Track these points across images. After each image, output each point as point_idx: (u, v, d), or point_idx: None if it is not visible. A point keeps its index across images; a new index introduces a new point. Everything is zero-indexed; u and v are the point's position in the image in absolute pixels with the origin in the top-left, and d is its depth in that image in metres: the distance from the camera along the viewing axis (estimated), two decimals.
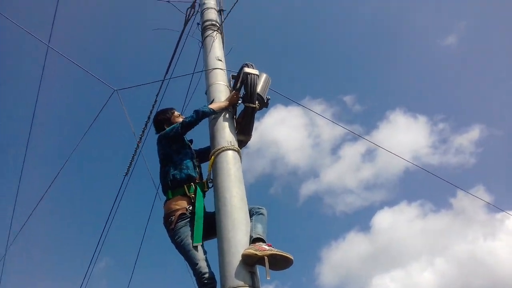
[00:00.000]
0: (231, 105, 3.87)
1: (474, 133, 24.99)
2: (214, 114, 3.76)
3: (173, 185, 3.52)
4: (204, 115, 3.68)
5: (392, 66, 25.39)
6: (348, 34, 24.11)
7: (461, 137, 25.20)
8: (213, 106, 3.76)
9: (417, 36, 24.56)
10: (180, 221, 3.35)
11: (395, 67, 25.26)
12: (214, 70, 4.32)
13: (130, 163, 5.93)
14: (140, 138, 5.74)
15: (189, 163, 3.63)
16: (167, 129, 3.79)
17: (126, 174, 6.04)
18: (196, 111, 3.65)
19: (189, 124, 3.66)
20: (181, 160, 3.62)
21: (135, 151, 5.78)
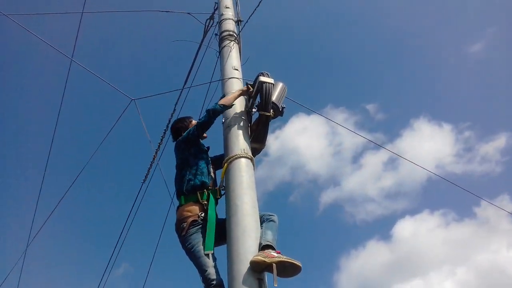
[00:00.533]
0: (242, 95, 3.95)
1: (500, 141, 24.35)
2: (226, 109, 3.80)
3: (187, 191, 3.54)
4: (215, 113, 3.71)
5: (417, 73, 25.06)
6: (372, 41, 23.95)
7: (487, 145, 24.56)
8: (222, 101, 3.81)
9: (443, 42, 24.18)
10: (191, 228, 3.36)
11: (420, 74, 24.94)
12: (230, 79, 4.36)
13: (148, 171, 5.99)
14: (159, 146, 5.80)
15: (204, 168, 3.66)
16: (184, 134, 3.85)
17: (144, 181, 6.10)
18: (207, 110, 3.71)
19: (203, 124, 3.72)
20: (197, 164, 3.65)
21: (153, 159, 5.84)
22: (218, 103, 3.77)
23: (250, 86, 3.98)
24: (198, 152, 3.75)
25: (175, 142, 3.96)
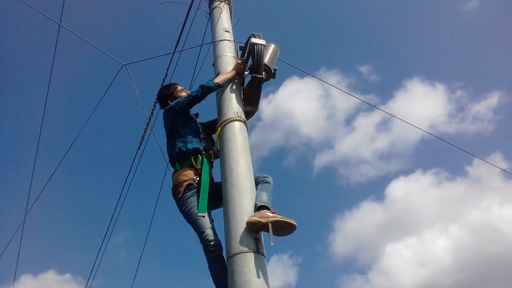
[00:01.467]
0: (237, 75, 3.87)
1: (493, 100, 24.50)
2: (220, 88, 3.76)
3: (179, 158, 3.57)
4: (209, 90, 3.68)
5: (411, 33, 24.81)
6: (365, 1, 23.55)
7: (479, 105, 24.75)
8: (218, 79, 3.75)
9: (437, 0, 23.83)
10: (187, 192, 3.40)
11: (413, 34, 24.69)
12: (222, 41, 4.30)
13: (142, 137, 5.99)
14: (152, 112, 5.78)
15: (194, 136, 3.67)
16: (173, 103, 3.81)
17: (139, 148, 6.12)
18: (201, 86, 3.66)
19: (194, 99, 3.68)
20: (186, 133, 3.65)
21: (147, 125, 5.83)
22: (214, 80, 3.72)
23: (244, 63, 3.90)
24: (186, 121, 3.74)
25: (163, 110, 3.95)
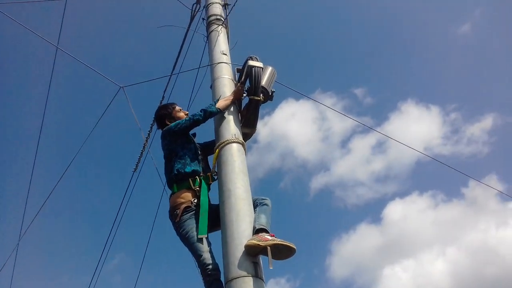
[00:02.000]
0: (236, 99, 3.88)
1: (487, 122, 24.70)
2: (220, 113, 3.76)
3: (177, 179, 3.54)
4: (211, 115, 3.70)
5: (404, 56, 25.16)
6: (359, 25, 23.95)
7: (473, 127, 24.93)
8: (219, 105, 3.74)
9: (431, 24, 24.27)
10: (185, 214, 3.37)
11: (408, 57, 25.04)
12: (219, 64, 4.32)
13: (139, 159, 5.97)
14: (149, 134, 5.77)
15: (193, 157, 3.65)
16: (172, 124, 3.79)
17: (135, 170, 6.10)
18: (204, 110, 3.66)
19: (195, 122, 3.67)
20: (185, 155, 3.63)
21: (144, 147, 5.82)
22: (216, 106, 3.71)
23: (242, 86, 3.93)
24: (185, 142, 3.73)
25: (161, 131, 3.94)
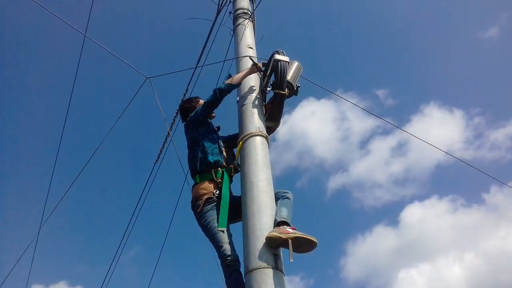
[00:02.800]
0: (251, 73, 3.90)
1: (511, 127, 24.10)
2: (233, 88, 3.77)
3: (201, 170, 3.57)
4: (222, 92, 3.70)
5: (429, 58, 24.74)
6: (384, 25, 23.65)
7: (497, 132, 24.34)
8: (229, 80, 3.79)
9: (457, 27, 23.81)
10: (206, 205, 3.40)
11: (432, 59, 24.61)
12: (245, 57, 4.33)
13: (161, 150, 6.03)
14: (171, 126, 5.82)
15: (215, 147, 3.68)
16: (192, 114, 3.85)
17: (156, 161, 6.15)
18: (214, 90, 3.71)
19: (209, 104, 3.72)
20: (208, 144, 3.67)
21: (166, 138, 5.87)
22: (225, 82, 3.76)
23: (259, 64, 3.93)
24: (207, 132, 3.76)
25: (184, 123, 3.98)
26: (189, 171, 3.77)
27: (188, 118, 3.89)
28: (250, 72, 3.91)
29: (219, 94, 3.69)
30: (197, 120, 3.76)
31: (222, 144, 3.80)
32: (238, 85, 3.82)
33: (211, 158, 3.58)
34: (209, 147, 3.65)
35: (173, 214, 6.38)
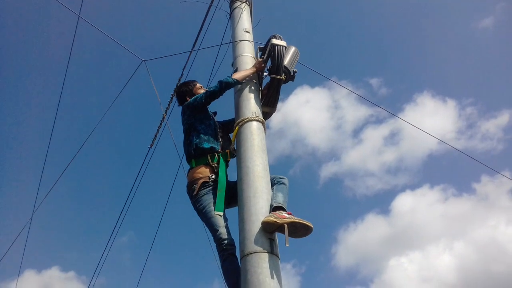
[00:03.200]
0: (256, 72, 3.86)
1: (503, 118, 24.28)
2: (238, 84, 3.75)
3: (196, 154, 3.56)
4: (228, 86, 3.68)
5: (423, 48, 24.74)
6: (379, 14, 23.52)
7: (488, 123, 24.53)
8: (237, 76, 3.74)
9: (452, 17, 23.78)
10: (202, 189, 3.40)
11: (427, 49, 24.61)
12: (241, 41, 4.30)
13: (156, 135, 6.00)
14: (166, 110, 5.79)
15: (211, 134, 3.67)
16: (191, 99, 3.81)
17: (151, 145, 6.12)
18: (219, 82, 3.66)
19: (212, 94, 3.67)
20: (204, 130, 3.65)
21: (161, 122, 5.84)
22: (233, 76, 3.71)
23: (264, 62, 3.89)
24: (204, 118, 3.74)
25: (181, 106, 3.95)
26: (185, 156, 3.76)
27: (186, 103, 3.86)
28: (256, 70, 3.86)
29: (224, 87, 3.66)
30: (195, 107, 3.73)
31: (218, 130, 3.79)
32: (242, 82, 3.77)
33: (207, 144, 3.57)
34: (205, 133, 3.63)
35: (167, 199, 6.38)
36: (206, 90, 3.75)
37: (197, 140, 3.60)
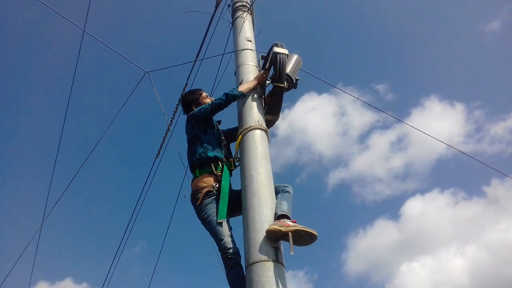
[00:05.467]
0: (259, 84, 3.86)
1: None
2: (243, 97, 3.76)
3: (200, 164, 3.57)
4: (234, 98, 3.69)
5: (430, 52, 24.69)
6: (386, 19, 23.55)
7: (497, 125, 24.32)
8: (242, 88, 3.75)
9: (459, 20, 23.73)
10: (206, 198, 3.40)
11: (434, 53, 24.55)
12: (244, 50, 4.31)
13: (161, 145, 6.02)
14: (171, 120, 5.82)
15: (215, 144, 3.67)
16: (196, 109, 3.82)
17: (157, 156, 6.15)
18: (225, 94, 3.67)
19: (218, 106, 3.68)
20: (208, 140, 3.66)
21: (166, 133, 5.86)
22: (239, 89, 3.72)
23: (266, 73, 3.90)
24: (208, 128, 3.75)
25: (186, 116, 3.97)
26: (189, 165, 3.76)
27: (191, 113, 3.86)
28: (259, 82, 3.86)
29: (231, 99, 3.67)
30: (200, 117, 3.74)
31: (222, 139, 3.79)
32: (248, 95, 3.77)
33: (211, 153, 3.58)
34: (209, 142, 3.64)
35: (173, 209, 6.38)
36: (212, 102, 3.75)
37: (201, 150, 3.60)
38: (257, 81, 3.84)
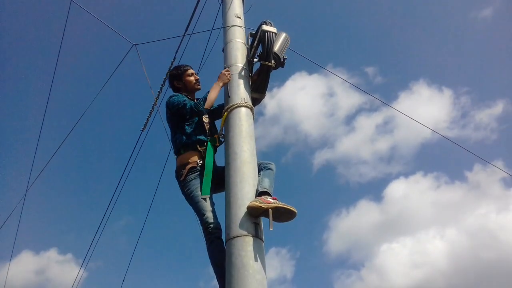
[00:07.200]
0: (224, 85, 3.73)
1: (497, 108, 24.41)
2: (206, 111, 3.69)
3: (184, 147, 3.59)
4: (198, 114, 3.65)
5: (421, 36, 24.69)
6: (376, 2, 23.40)
7: (482, 112, 24.66)
8: (207, 104, 3.63)
9: (451, 6, 23.70)
10: (190, 174, 3.45)
11: (425, 38, 24.56)
12: (232, 27, 4.28)
13: (147, 119, 6.01)
14: (158, 94, 5.79)
15: (197, 128, 3.67)
16: (175, 102, 3.71)
17: (143, 129, 6.14)
18: (191, 106, 3.62)
19: (194, 111, 3.63)
20: (190, 127, 3.66)
21: (153, 106, 5.85)
22: (206, 103, 3.61)
23: (229, 72, 3.77)
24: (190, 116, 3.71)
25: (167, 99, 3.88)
26: (173, 147, 3.77)
27: (168, 101, 3.78)
28: (223, 84, 3.71)
29: (195, 111, 3.61)
30: (179, 112, 3.68)
31: (205, 121, 3.76)
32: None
33: (195, 138, 3.60)
34: (191, 128, 3.65)
35: (157, 184, 6.42)
36: (184, 103, 3.65)
37: (184, 137, 3.61)
38: (221, 83, 3.71)
